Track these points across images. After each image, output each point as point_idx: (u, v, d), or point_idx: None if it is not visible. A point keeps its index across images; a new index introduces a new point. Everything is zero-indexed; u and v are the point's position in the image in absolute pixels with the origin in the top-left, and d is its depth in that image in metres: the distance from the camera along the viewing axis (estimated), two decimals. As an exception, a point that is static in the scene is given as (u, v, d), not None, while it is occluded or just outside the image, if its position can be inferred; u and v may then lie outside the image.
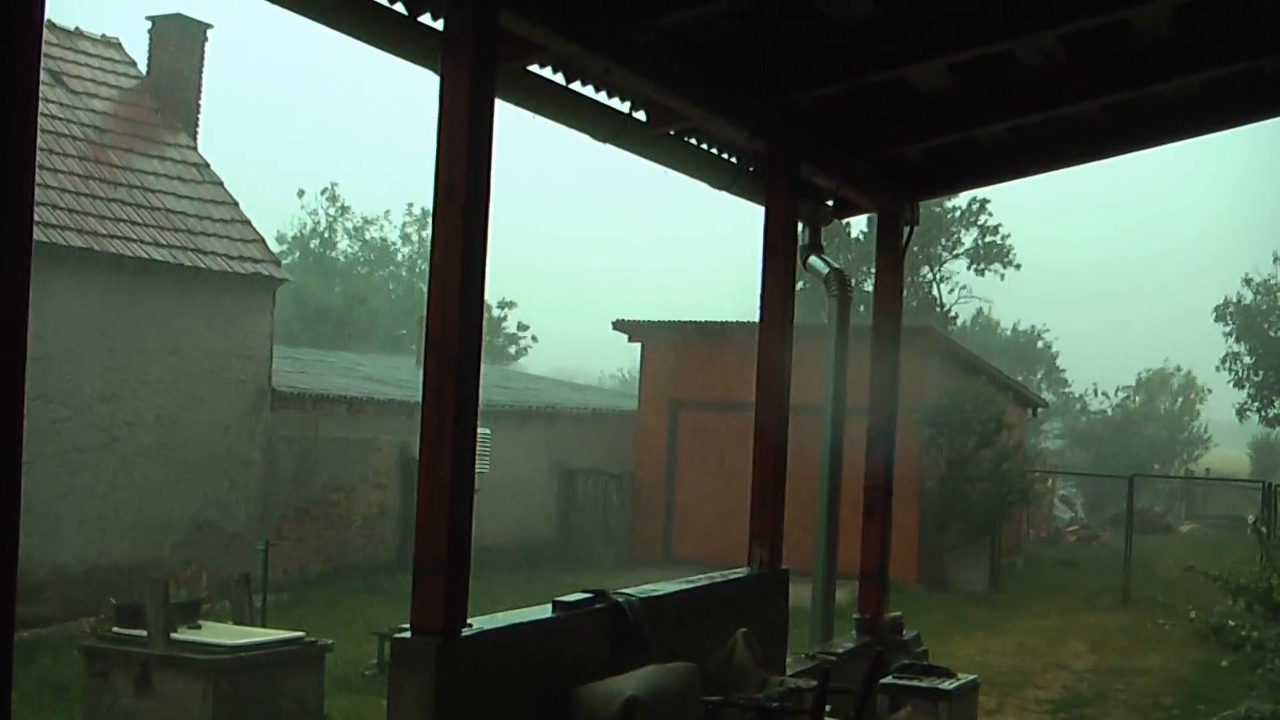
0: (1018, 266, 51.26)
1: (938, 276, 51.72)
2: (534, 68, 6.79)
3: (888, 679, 8.61)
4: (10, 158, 3.66)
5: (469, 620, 5.51)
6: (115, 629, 11.98)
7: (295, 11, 5.70)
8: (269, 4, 5.54)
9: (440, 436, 5.29)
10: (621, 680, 6.10)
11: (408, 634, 5.31)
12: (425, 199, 56.50)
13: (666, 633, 6.83)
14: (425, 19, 5.98)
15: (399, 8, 5.90)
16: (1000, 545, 27.35)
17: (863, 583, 10.72)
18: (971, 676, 9.46)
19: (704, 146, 8.67)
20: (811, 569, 10.85)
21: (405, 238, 61.37)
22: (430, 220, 5.55)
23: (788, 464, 8.68)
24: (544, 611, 6.30)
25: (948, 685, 8.70)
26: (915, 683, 8.69)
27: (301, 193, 62.78)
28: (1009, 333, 61.09)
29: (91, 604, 16.72)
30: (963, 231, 51.24)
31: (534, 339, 61.52)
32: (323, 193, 61.32)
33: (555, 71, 6.94)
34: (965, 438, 25.91)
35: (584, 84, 7.17)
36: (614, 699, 5.95)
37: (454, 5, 5.46)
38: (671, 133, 8.21)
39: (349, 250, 61.10)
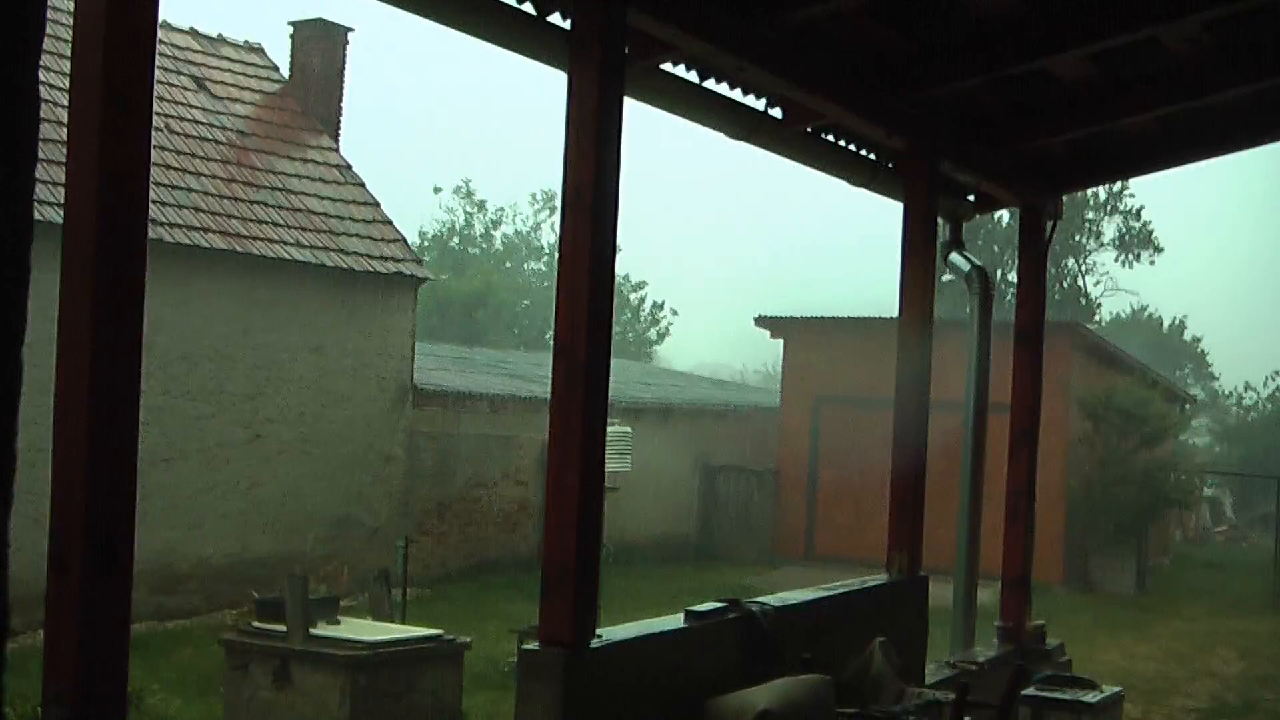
0: (1160, 250, 50.15)
1: (1083, 269, 50.77)
2: (665, 66, 6.67)
3: (1029, 691, 8.36)
4: (128, 156, 3.65)
5: (599, 631, 5.41)
6: (255, 623, 12.09)
7: (424, 16, 5.65)
8: (399, 9, 5.51)
9: (568, 445, 5.18)
10: (754, 693, 5.96)
11: (536, 646, 5.22)
12: (552, 183, 56.53)
13: (801, 642, 6.67)
14: (554, 19, 5.90)
15: (527, 8, 5.81)
16: (1148, 546, 26.76)
17: (1005, 590, 10.46)
18: (1116, 688, 9.17)
19: (841, 143, 8.50)
20: (953, 569, 10.62)
21: (536, 226, 61.45)
22: (558, 208, 5.46)
23: (928, 462, 8.48)
24: (675, 621, 6.17)
25: (1091, 698, 8.44)
26: (1058, 695, 8.44)
27: (438, 189, 62.88)
28: (1155, 325, 59.77)
29: (234, 596, 16.97)
30: (1104, 219, 50.23)
31: (674, 312, 61.25)
32: (456, 191, 61.73)
33: (687, 69, 6.82)
34: (1123, 438, 25.36)
35: (717, 81, 7.04)
36: (746, 712, 5.81)
37: (581, 5, 5.35)
38: (808, 130, 8.06)
39: (488, 246, 61.37)
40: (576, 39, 5.36)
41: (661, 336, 60.76)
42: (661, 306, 60.72)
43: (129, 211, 3.75)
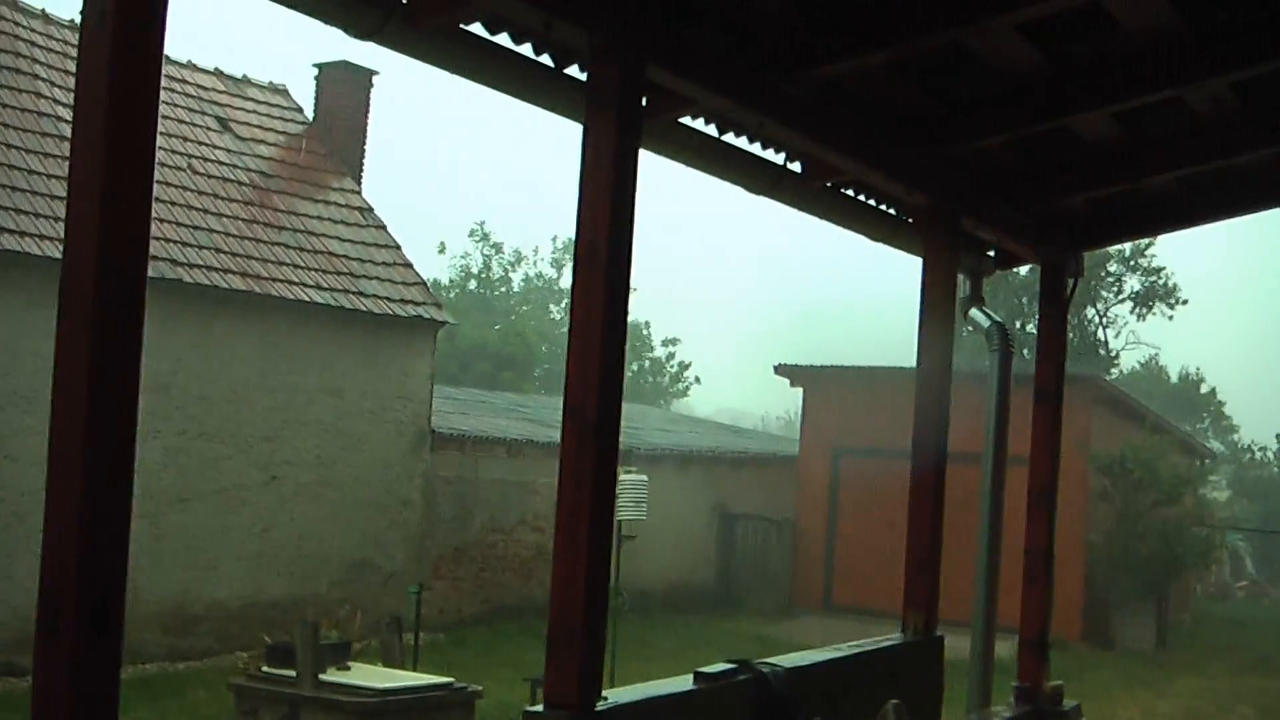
0: (1184, 302, 50.02)
1: (1104, 320, 50.63)
2: (685, 119, 6.60)
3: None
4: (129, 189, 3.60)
5: (605, 692, 5.30)
6: (265, 668, 12.03)
7: (440, 67, 5.60)
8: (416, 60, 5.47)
9: (578, 506, 5.09)
10: (764, 757, 5.83)
11: (540, 708, 5.12)
12: (569, 229, 56.68)
13: (814, 705, 6.54)
14: (573, 69, 5.84)
15: (545, 60, 5.75)
16: (1169, 602, 26.53)
17: (1022, 649, 10.29)
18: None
19: (861, 198, 8.43)
20: (970, 620, 10.49)
21: (558, 267, 61.41)
22: (572, 262, 5.38)
23: (946, 514, 8.36)
24: (684, 683, 6.05)
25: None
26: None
27: (443, 248, 62.10)
28: (1175, 379, 59.46)
29: (247, 639, 16.89)
30: (1127, 273, 50.16)
31: (697, 380, 61.38)
32: (471, 234, 61.77)
33: (707, 123, 6.75)
34: (1142, 493, 25.16)
35: (737, 135, 6.97)
36: (756, 778, 5.68)
37: (598, 59, 5.28)
38: (828, 185, 7.98)
39: (507, 289, 61.38)
40: (593, 92, 5.29)
41: (683, 392, 60.88)
42: (688, 367, 60.88)
43: (129, 254, 3.70)
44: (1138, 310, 50.28)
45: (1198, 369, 60.75)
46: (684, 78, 5.82)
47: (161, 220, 17.78)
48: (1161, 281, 49.95)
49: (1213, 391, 60.57)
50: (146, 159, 3.73)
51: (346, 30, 5.16)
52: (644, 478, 16.77)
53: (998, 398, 10.26)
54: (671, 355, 60.28)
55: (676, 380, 60.71)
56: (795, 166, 7.55)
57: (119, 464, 3.63)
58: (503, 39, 5.60)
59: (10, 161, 16.91)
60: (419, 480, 20.96)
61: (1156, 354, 57.11)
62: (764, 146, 7.19)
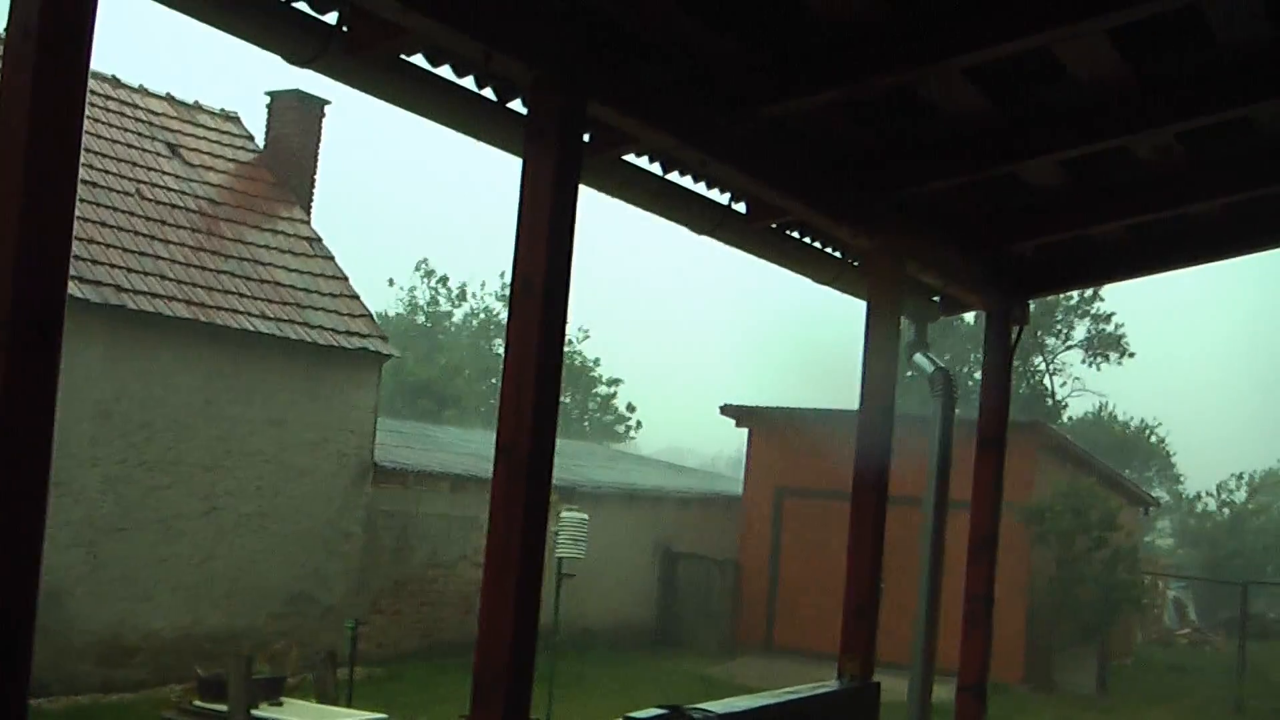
0: (1131, 355, 50.43)
1: (1050, 368, 50.92)
2: (629, 157, 6.54)
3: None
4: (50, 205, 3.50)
5: (532, 737, 5.21)
6: (197, 701, 11.88)
7: (379, 98, 5.52)
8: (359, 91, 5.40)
9: (508, 546, 5.00)
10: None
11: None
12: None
13: (746, 752, 6.46)
14: (516, 104, 5.77)
15: (487, 93, 5.68)
16: (1109, 647, 26.57)
17: (960, 694, 10.25)
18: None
19: (807, 240, 8.39)
20: (909, 660, 10.46)
21: (505, 301, 61.23)
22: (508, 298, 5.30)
23: (887, 557, 8.30)
24: (614, 728, 5.96)
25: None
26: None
27: (391, 282, 62.34)
28: (1121, 427, 59.66)
29: (182, 671, 16.70)
30: (1075, 320, 50.50)
31: (639, 424, 61.22)
32: (417, 268, 61.65)
33: (651, 161, 6.69)
34: (1076, 537, 25.20)
35: (680, 174, 6.92)
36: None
37: (538, 93, 5.21)
38: (773, 226, 7.94)
39: (455, 321, 61.17)
40: (533, 127, 5.22)
41: (624, 433, 60.65)
42: (633, 410, 60.67)
43: (48, 274, 3.57)
44: (1089, 358, 50.63)
45: (1148, 419, 60.89)
46: (626, 114, 5.75)
47: (108, 245, 17.60)
48: (1110, 330, 50.33)
49: (1160, 440, 60.71)
50: (69, 179, 3.63)
51: (285, 57, 5.09)
52: (584, 516, 16.71)
53: (940, 442, 10.25)
54: (613, 395, 60.10)
55: (622, 420, 60.52)
56: (740, 207, 7.50)
57: (31, 493, 3.51)
58: (445, 71, 5.53)
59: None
60: (360, 513, 20.77)
61: (1106, 401, 57.41)
62: (708, 186, 7.14)
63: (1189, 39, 6.42)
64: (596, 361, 59.65)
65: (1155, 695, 25.99)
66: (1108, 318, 50.24)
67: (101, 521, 16.97)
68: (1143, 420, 60.61)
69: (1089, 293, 49.28)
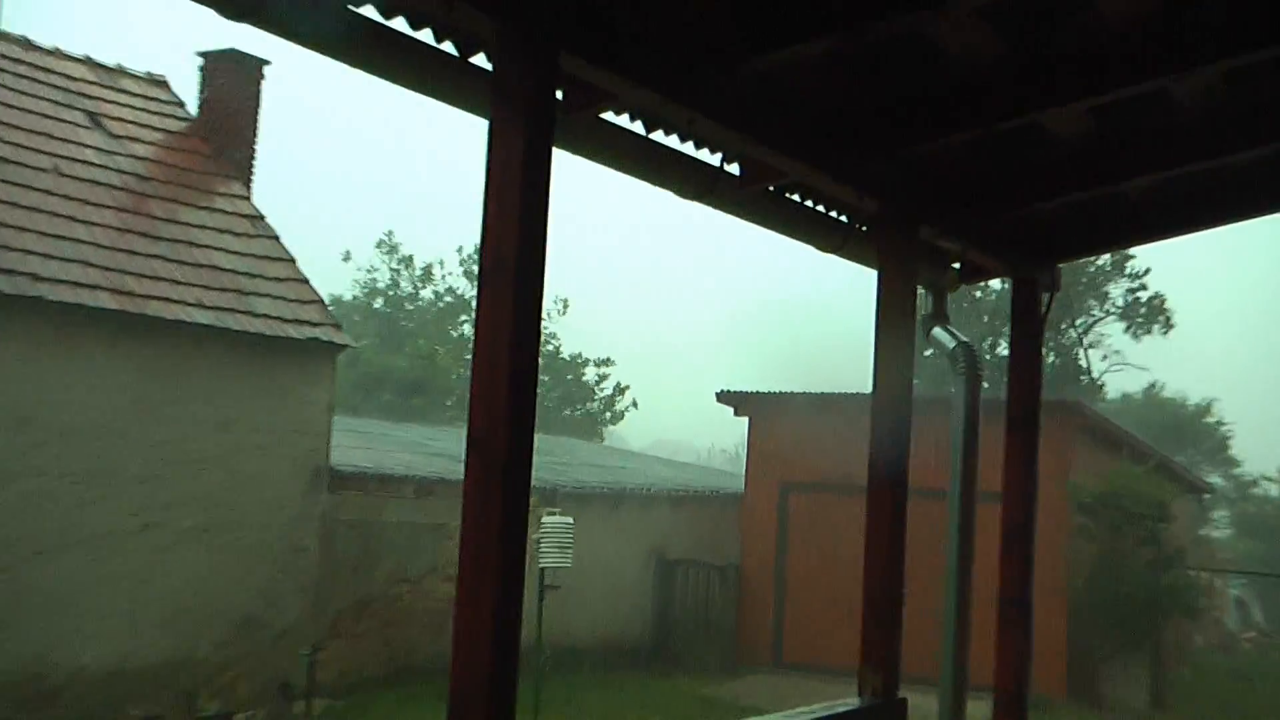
0: (1173, 325, 50.39)
1: (1085, 342, 50.84)
2: (608, 116, 6.58)
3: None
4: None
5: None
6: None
7: (331, 57, 5.53)
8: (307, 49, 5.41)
9: (483, 554, 5.05)
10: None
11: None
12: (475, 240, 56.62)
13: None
14: (479, 59, 5.81)
15: (447, 47, 5.72)
16: (1163, 654, 26.57)
17: (998, 706, 10.30)
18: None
19: (809, 204, 8.43)
20: (937, 673, 10.48)
21: (472, 279, 60.91)
22: (476, 284, 5.31)
23: (908, 558, 8.34)
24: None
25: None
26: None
27: (348, 256, 62.02)
28: (1169, 405, 59.68)
29: (114, 713, 16.60)
30: (1111, 285, 50.30)
31: (634, 404, 61.10)
32: (379, 245, 61.60)
33: (631, 120, 6.73)
34: (1124, 531, 25.12)
35: (665, 134, 6.95)
36: None
37: (505, 47, 5.23)
38: (769, 189, 7.98)
39: (418, 305, 60.89)
40: (499, 85, 5.25)
41: (617, 418, 60.59)
42: (624, 391, 60.54)
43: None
44: (1132, 329, 50.43)
45: (1195, 396, 60.86)
46: (602, 68, 5.78)
47: (22, 229, 17.58)
48: (1149, 295, 50.17)
49: (1219, 421, 60.42)
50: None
51: (217, 9, 5.04)
52: (569, 520, 16.77)
53: (965, 426, 10.24)
54: (603, 378, 59.99)
55: (609, 406, 60.44)
56: (733, 169, 7.54)
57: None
58: (399, 24, 5.56)
59: None
60: (316, 524, 20.76)
61: (1154, 381, 57.37)
62: (697, 146, 7.18)
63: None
64: (578, 353, 59.54)
65: (1218, 707, 26.04)
66: (1144, 275, 49.91)
67: (19, 544, 16.93)
68: (1200, 398, 60.55)
69: (1119, 257, 49.12)
